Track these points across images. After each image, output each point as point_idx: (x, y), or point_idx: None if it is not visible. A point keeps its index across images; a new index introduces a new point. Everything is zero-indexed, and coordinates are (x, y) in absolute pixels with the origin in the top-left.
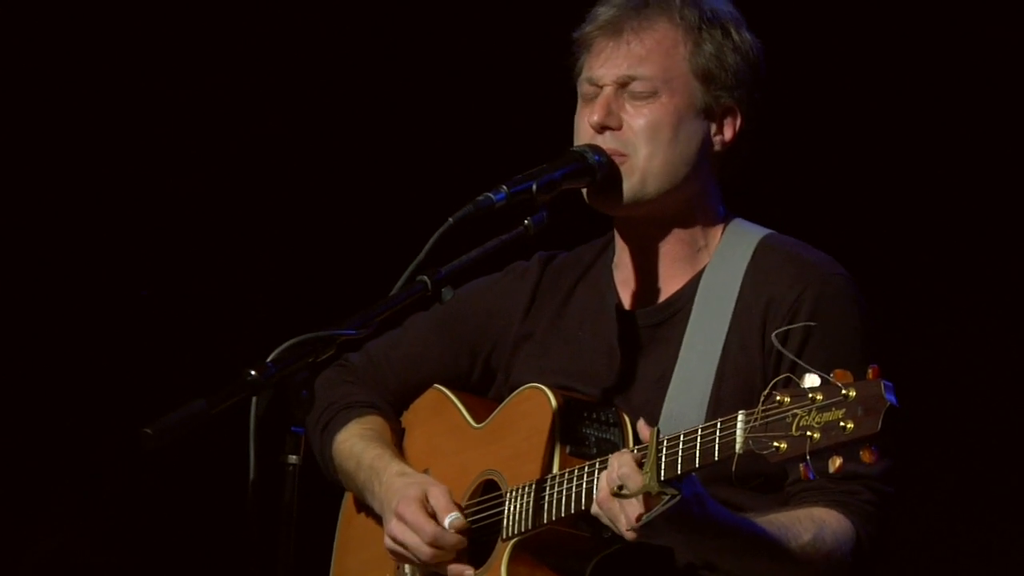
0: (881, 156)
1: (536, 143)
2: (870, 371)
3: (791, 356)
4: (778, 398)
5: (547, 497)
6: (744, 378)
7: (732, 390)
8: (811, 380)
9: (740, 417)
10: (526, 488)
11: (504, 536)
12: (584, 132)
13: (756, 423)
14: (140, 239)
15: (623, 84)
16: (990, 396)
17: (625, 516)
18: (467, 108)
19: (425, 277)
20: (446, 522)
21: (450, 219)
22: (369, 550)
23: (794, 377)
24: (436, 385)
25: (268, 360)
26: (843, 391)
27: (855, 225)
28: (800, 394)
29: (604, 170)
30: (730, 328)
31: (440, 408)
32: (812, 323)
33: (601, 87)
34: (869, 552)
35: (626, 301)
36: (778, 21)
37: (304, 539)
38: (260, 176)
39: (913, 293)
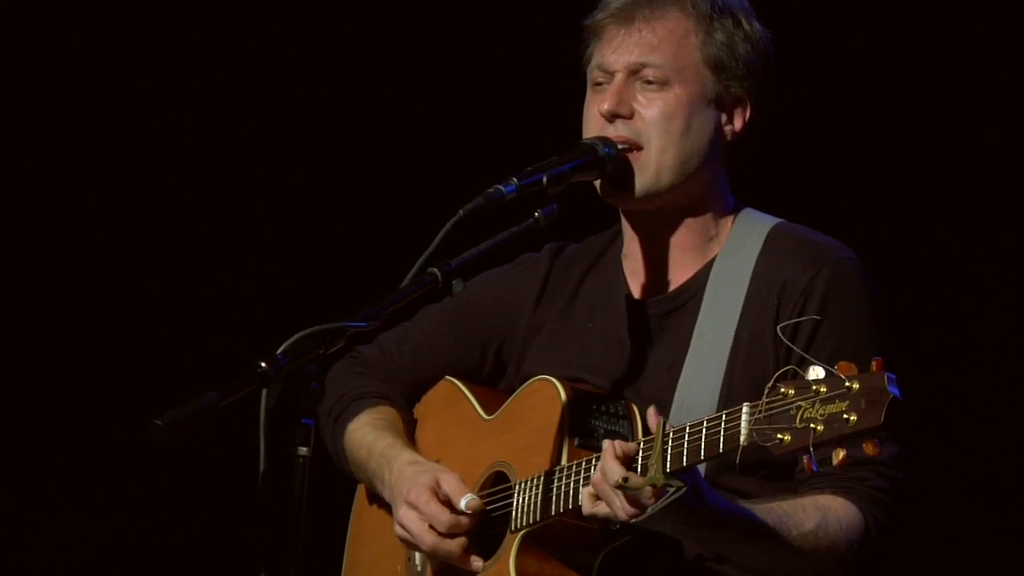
0: (889, 150)
1: (546, 136)
2: (874, 363)
3: (799, 351)
4: (782, 390)
5: (555, 489)
6: (757, 365)
7: (745, 377)
8: (815, 372)
9: (745, 409)
10: (535, 480)
11: (513, 528)
12: (594, 121)
13: (760, 415)
14: (150, 232)
15: (634, 71)
16: (993, 392)
17: (620, 501)
18: (477, 100)
19: (435, 269)
20: (462, 503)
21: (460, 211)
22: (380, 542)
23: (799, 370)
24: (448, 377)
25: (278, 352)
26: (846, 383)
27: (862, 218)
28: (804, 386)
29: (614, 162)
30: (742, 315)
31: (451, 400)
32: (825, 305)
33: (612, 73)
34: (878, 539)
35: (636, 291)
36: (785, 14)
37: (314, 531)
38: (271, 169)
39: (922, 285)
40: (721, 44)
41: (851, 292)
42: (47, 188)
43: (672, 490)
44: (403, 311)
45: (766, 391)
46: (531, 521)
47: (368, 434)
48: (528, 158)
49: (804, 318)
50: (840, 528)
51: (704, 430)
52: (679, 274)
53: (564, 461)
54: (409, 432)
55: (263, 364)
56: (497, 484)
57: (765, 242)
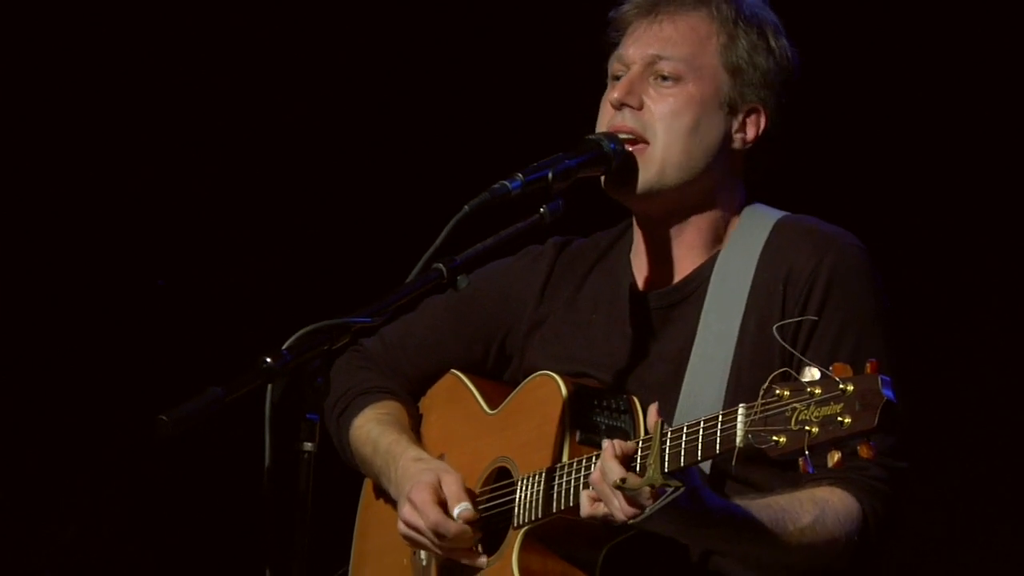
0: (892, 148)
1: (552, 132)
2: (868, 365)
3: (794, 351)
4: (777, 392)
5: (557, 486)
6: (765, 352)
7: (752, 365)
8: (811, 373)
9: (741, 411)
10: (537, 476)
11: (515, 524)
12: (606, 111)
13: (756, 417)
14: (156, 229)
15: (650, 63)
16: (992, 388)
17: (619, 502)
18: (483, 97)
19: (441, 265)
20: (455, 512)
21: (466, 207)
22: (386, 535)
23: (793, 372)
24: (453, 371)
25: (283, 348)
26: (841, 386)
27: (867, 214)
28: (799, 388)
29: (620, 159)
30: (748, 304)
31: (456, 394)
32: (829, 291)
33: (629, 65)
34: (876, 530)
35: (640, 284)
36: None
37: (320, 526)
38: (276, 166)
39: (923, 282)
40: (743, 51)
41: (856, 279)
42: (56, 187)
43: (670, 491)
44: (408, 306)
45: (761, 392)
46: (533, 518)
47: (373, 430)
48: (534, 154)
49: (805, 318)
50: (838, 521)
51: (701, 431)
52: (684, 267)
53: (565, 458)
54: (414, 426)
55: (268, 360)
56: (500, 479)
57: (771, 233)
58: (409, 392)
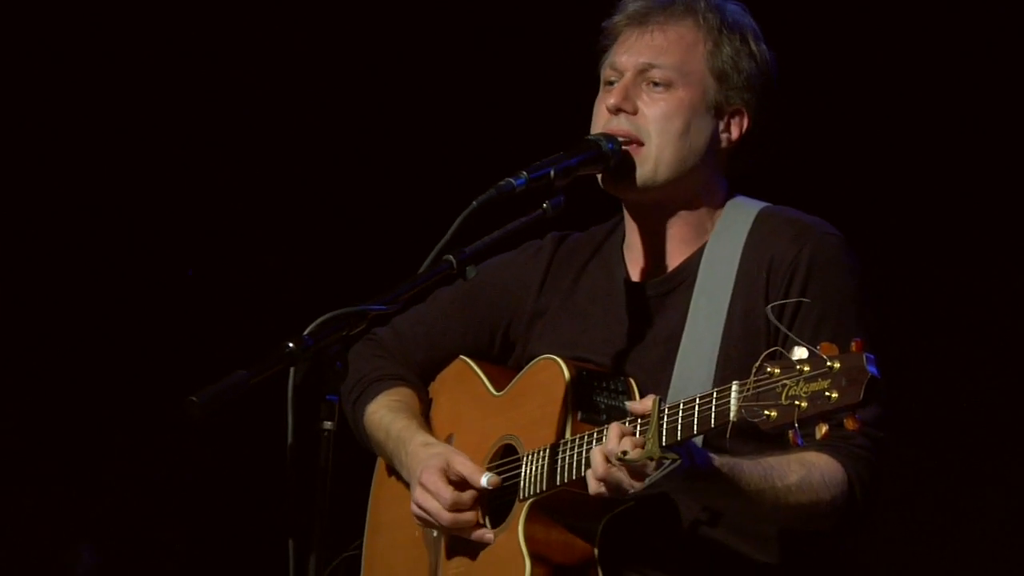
0: (878, 146)
1: (553, 132)
2: (854, 344)
3: (785, 331)
4: (768, 369)
5: (560, 460)
6: (751, 335)
7: (740, 347)
8: (799, 352)
9: (734, 387)
10: (541, 452)
11: (521, 497)
12: (601, 115)
13: (748, 392)
14: (186, 224)
15: (642, 71)
16: (978, 384)
17: (626, 480)
18: (491, 100)
19: (451, 256)
20: (483, 481)
21: (474, 202)
22: (398, 509)
23: (784, 350)
24: (461, 356)
25: (305, 333)
26: (828, 363)
27: (852, 209)
28: (789, 365)
29: (617, 158)
30: (734, 290)
31: (464, 378)
32: (809, 278)
33: (622, 72)
34: (861, 495)
35: (635, 275)
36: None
37: (339, 498)
38: (301, 167)
39: (909, 277)
40: (727, 57)
41: (835, 266)
42: (87, 186)
43: (668, 462)
44: (419, 295)
45: (754, 370)
46: (538, 490)
47: (385, 416)
48: (537, 153)
49: (791, 300)
50: (823, 482)
51: (696, 407)
52: (675, 258)
53: (568, 434)
54: (424, 411)
55: (291, 344)
56: (506, 456)
57: (753, 223)
58: (420, 378)
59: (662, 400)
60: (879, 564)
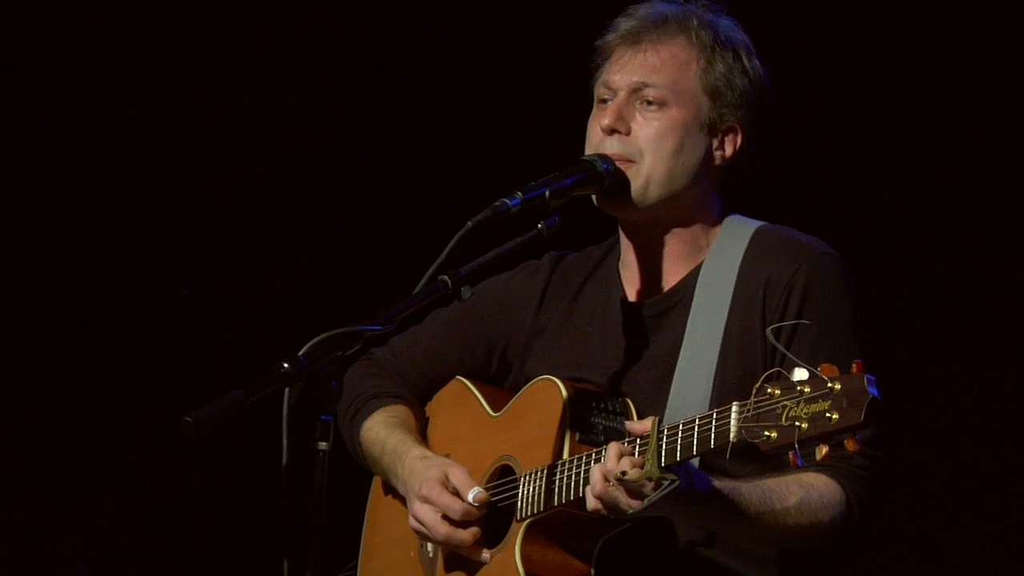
0: (877, 157)
1: (548, 152)
2: (854, 366)
3: (785, 351)
4: (769, 390)
5: (558, 481)
6: (748, 355)
7: (736, 366)
8: (800, 373)
9: (734, 408)
10: (539, 473)
11: (518, 517)
12: (595, 135)
13: (749, 413)
14: (182, 243)
15: (636, 90)
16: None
17: (624, 500)
18: (485, 119)
19: (446, 276)
20: (470, 496)
21: (469, 223)
22: (395, 529)
23: (784, 372)
24: (458, 377)
25: (300, 354)
26: (829, 384)
27: (850, 226)
28: (789, 387)
29: (612, 178)
30: (731, 310)
31: (461, 398)
32: (806, 298)
33: (616, 91)
34: (860, 514)
35: (631, 295)
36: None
37: (333, 519)
38: (296, 186)
39: (905, 284)
40: (720, 74)
41: (831, 286)
42: (86, 198)
43: (666, 483)
44: (415, 316)
45: (754, 391)
46: (535, 511)
47: (381, 431)
48: (531, 173)
49: (789, 322)
50: (822, 503)
51: (696, 427)
52: (671, 278)
53: (566, 455)
54: (420, 428)
55: (286, 365)
56: (503, 477)
57: (750, 242)
58: (416, 397)
59: (660, 420)
60: (879, 568)
